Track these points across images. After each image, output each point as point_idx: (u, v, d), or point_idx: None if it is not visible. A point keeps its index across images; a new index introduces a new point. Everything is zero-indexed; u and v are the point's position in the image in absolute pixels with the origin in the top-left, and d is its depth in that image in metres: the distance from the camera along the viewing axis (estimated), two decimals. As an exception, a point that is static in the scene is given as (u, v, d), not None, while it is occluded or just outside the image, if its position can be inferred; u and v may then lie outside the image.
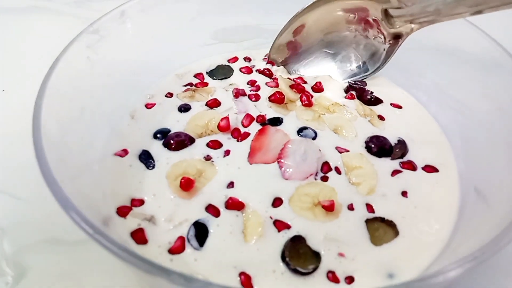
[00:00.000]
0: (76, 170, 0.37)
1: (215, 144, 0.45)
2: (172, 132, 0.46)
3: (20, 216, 0.44)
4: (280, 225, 0.39)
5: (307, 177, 0.42)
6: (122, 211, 0.40)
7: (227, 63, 0.56)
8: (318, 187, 0.42)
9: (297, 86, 0.52)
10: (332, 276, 0.35)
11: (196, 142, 0.45)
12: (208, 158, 0.44)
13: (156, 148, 0.45)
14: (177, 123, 0.47)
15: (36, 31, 0.71)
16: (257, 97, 0.51)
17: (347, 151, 0.45)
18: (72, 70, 0.39)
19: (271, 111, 0.49)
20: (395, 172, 0.44)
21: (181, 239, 0.38)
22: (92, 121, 0.42)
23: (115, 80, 0.47)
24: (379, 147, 0.46)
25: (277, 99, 0.50)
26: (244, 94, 0.51)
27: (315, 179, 0.43)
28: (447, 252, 0.35)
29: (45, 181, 0.29)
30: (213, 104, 0.50)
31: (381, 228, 0.39)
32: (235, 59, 0.57)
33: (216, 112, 0.49)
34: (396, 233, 0.39)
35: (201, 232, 0.38)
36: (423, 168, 0.44)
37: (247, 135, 0.46)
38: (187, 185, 0.41)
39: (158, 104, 0.50)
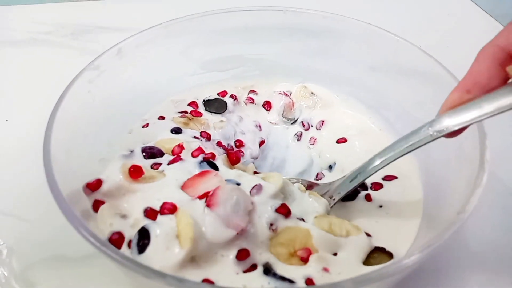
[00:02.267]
0: (78, 184, 0.41)
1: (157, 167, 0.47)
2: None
3: (27, 236, 0.48)
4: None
5: (238, 233, 0.38)
6: (96, 205, 0.41)
7: (220, 97, 0.60)
8: (292, 231, 0.40)
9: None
10: (309, 281, 0.37)
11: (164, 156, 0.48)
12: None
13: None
14: None
15: (36, 62, 0.75)
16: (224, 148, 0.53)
17: None
18: (75, 103, 0.44)
19: (219, 160, 0.48)
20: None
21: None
22: (93, 145, 0.47)
23: (114, 108, 0.51)
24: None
25: (231, 157, 0.50)
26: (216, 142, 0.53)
27: (272, 230, 0.40)
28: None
29: (56, 203, 0.33)
30: (204, 135, 0.53)
31: (378, 256, 0.41)
32: (224, 93, 0.60)
33: (183, 139, 0.50)
34: (391, 257, 0.41)
35: (143, 238, 0.37)
36: (384, 179, 0.49)
37: (177, 159, 0.46)
38: (135, 172, 0.43)
39: (152, 124, 0.54)
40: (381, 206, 0.47)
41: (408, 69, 0.54)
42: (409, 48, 0.51)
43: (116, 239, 0.39)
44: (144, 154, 0.48)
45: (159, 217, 0.39)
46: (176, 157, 0.47)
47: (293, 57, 0.62)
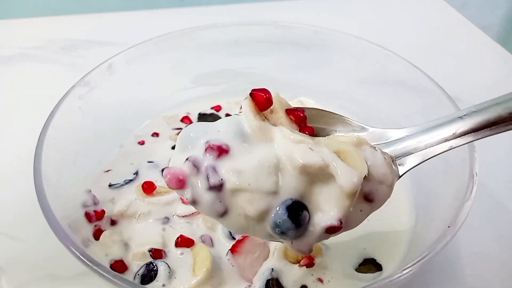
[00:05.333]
0: (70, 203, 0.42)
1: None
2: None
3: (17, 255, 0.47)
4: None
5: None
6: (97, 234, 0.43)
7: (215, 111, 0.60)
8: None
9: None
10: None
11: None
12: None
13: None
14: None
15: (26, 77, 0.74)
16: None
17: None
18: (66, 120, 0.44)
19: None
20: None
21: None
22: (85, 162, 0.47)
23: (105, 124, 0.51)
24: None
25: (258, 98, 0.49)
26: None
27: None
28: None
29: (48, 223, 0.33)
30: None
31: (368, 268, 0.42)
32: (218, 107, 0.61)
33: None
34: (379, 269, 0.41)
35: (149, 274, 0.40)
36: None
37: None
38: (148, 188, 0.46)
39: (148, 143, 0.54)
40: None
41: (397, 82, 0.54)
42: (398, 62, 0.52)
43: (119, 267, 0.40)
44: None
45: (172, 250, 0.42)
46: None
47: (284, 71, 0.62)
